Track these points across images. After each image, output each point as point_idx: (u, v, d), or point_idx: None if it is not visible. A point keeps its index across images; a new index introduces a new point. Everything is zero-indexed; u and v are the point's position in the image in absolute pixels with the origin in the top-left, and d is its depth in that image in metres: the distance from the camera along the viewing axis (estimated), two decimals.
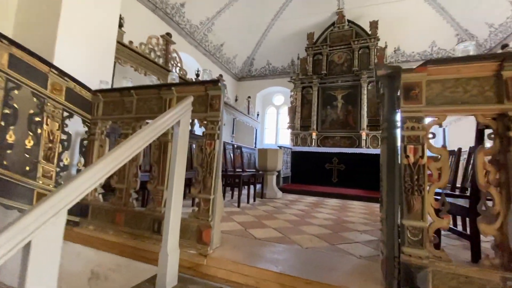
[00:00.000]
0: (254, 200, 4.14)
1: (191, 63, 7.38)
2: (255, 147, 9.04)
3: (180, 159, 1.65)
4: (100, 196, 2.32)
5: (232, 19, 7.57)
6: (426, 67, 1.29)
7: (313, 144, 7.26)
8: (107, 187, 2.34)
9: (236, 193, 4.15)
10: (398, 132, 1.40)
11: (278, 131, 10.35)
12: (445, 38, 7.00)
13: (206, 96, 1.87)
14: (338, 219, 3.12)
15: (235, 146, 4.62)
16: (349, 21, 7.45)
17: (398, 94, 1.40)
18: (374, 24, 7.01)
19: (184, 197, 3.83)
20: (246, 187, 4.20)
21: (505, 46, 5.51)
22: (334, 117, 7.35)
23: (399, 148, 1.38)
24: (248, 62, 9.76)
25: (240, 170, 4.59)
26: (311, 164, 6.71)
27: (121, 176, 2.18)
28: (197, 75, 6.62)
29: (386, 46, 6.92)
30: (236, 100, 9.92)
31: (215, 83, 1.80)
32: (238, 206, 3.52)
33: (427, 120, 1.33)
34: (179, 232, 1.67)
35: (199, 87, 1.88)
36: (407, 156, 1.30)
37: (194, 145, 4.15)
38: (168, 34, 5.50)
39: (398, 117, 1.41)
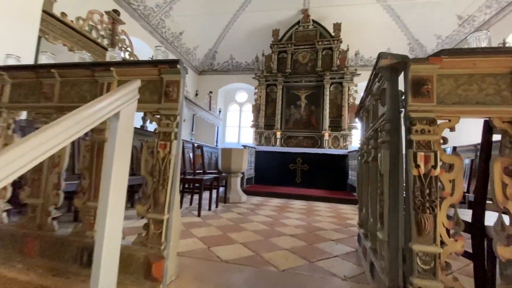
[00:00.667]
0: (217, 206, 3.72)
1: (145, 50, 6.53)
2: (216, 145, 8.56)
3: (119, 165, 1.18)
4: (4, 215, 1.67)
5: (193, 5, 6.92)
6: (441, 58, 1.06)
7: (277, 143, 7.11)
8: (15, 200, 1.70)
9: (196, 197, 3.68)
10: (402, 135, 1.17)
11: (240, 129, 9.99)
12: (399, 46, 7.45)
13: (159, 82, 1.41)
14: (309, 225, 2.91)
15: (196, 145, 4.13)
16: (314, 21, 7.45)
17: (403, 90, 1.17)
18: (337, 26, 7.12)
19: (132, 206, 3.24)
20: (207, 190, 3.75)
21: None
22: (298, 117, 7.30)
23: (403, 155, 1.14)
24: (210, 55, 9.17)
25: (201, 171, 4.13)
26: (275, 164, 6.55)
27: (35, 188, 1.58)
28: None
29: (348, 49, 7.10)
30: (196, 95, 9.26)
31: (173, 64, 1.35)
32: (199, 215, 3.06)
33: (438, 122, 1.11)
34: (117, 267, 1.20)
35: (151, 69, 1.41)
36: (417, 166, 1.06)
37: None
38: (115, 11, 4.67)
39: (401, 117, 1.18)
